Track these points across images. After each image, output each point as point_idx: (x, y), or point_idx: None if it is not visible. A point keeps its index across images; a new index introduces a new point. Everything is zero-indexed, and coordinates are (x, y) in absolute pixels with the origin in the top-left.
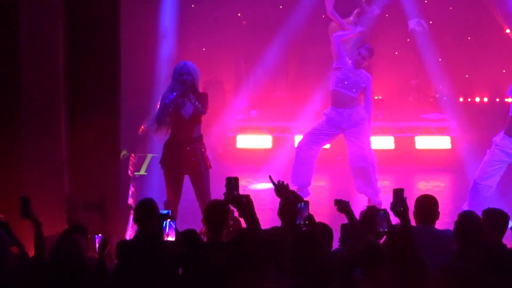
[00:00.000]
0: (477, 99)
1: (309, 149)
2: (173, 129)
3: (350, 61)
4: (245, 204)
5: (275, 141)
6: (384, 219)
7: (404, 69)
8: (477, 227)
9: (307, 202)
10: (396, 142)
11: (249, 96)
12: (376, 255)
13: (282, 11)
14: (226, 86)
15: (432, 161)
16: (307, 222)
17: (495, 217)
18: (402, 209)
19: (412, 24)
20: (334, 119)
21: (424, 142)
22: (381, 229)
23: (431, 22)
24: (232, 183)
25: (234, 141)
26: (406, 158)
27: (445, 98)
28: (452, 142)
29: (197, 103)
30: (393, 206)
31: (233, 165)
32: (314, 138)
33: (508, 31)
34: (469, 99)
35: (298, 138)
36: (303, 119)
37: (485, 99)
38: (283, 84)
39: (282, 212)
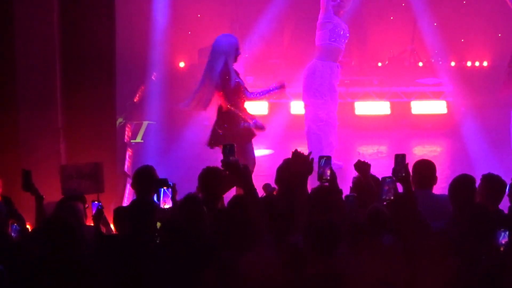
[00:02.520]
0: (476, 63)
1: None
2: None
3: (332, 12)
4: (242, 170)
5: (271, 107)
6: (391, 186)
7: (399, 34)
8: (470, 191)
9: (329, 157)
10: (392, 107)
11: (244, 62)
12: (382, 221)
13: None
14: None
15: (428, 126)
16: (329, 178)
17: (493, 184)
18: (404, 174)
19: None
20: (328, 75)
21: (420, 107)
22: (386, 197)
23: None
24: (227, 149)
25: None
26: (402, 123)
27: (440, 62)
28: (448, 107)
29: None
30: (395, 171)
31: None
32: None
33: None
34: (465, 63)
35: (294, 104)
36: (299, 85)
37: (477, 64)
38: (279, 50)
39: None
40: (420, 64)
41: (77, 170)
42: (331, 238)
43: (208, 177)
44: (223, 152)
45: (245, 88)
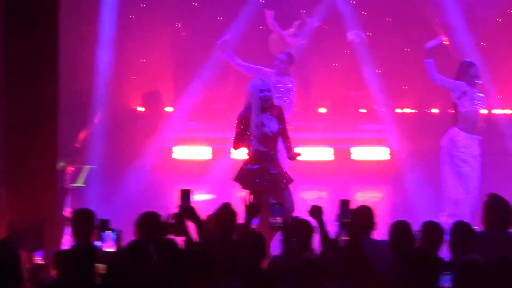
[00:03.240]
0: (419, 110)
1: None
2: None
3: (274, 71)
4: (198, 216)
5: (214, 153)
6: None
7: (343, 81)
8: (408, 236)
9: (280, 204)
10: (335, 153)
11: (188, 107)
12: (314, 269)
13: (221, 23)
14: (165, 97)
15: (370, 172)
16: (281, 225)
17: (431, 231)
18: (349, 220)
19: (351, 35)
20: None
21: (362, 153)
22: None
23: (369, 33)
24: (184, 194)
25: (170, 152)
26: (345, 169)
27: (383, 109)
28: (390, 153)
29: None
30: (340, 217)
31: (170, 176)
32: None
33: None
34: (407, 110)
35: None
36: None
37: (420, 110)
38: (223, 95)
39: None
40: (363, 110)
41: (23, 225)
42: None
43: (145, 222)
44: (180, 197)
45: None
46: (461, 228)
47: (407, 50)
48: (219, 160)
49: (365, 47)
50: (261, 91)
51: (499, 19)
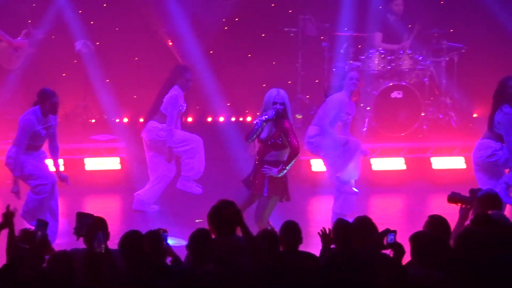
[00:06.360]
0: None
1: None
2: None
3: None
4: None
5: None
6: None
7: (71, 91)
8: (138, 246)
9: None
10: (65, 164)
11: None
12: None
13: None
14: None
15: (103, 182)
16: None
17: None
18: (85, 234)
19: (79, 45)
20: None
21: (94, 163)
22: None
23: (98, 43)
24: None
25: None
26: (78, 180)
27: (113, 118)
28: (121, 163)
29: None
30: (77, 230)
31: None
32: None
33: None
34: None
35: None
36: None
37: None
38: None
39: None
40: (93, 120)
41: None
42: None
43: None
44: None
45: None
46: (198, 235)
47: (136, 59)
48: None
49: (93, 56)
50: (274, 103)
51: (226, 27)
